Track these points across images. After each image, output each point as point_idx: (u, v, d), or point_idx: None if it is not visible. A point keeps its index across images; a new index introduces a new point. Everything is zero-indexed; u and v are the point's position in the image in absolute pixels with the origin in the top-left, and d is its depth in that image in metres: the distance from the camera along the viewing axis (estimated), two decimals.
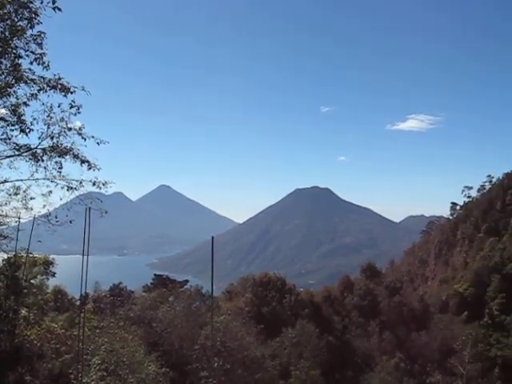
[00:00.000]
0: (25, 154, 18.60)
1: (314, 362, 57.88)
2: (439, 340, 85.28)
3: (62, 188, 18.90)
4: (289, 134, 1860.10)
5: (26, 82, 17.04)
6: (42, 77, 16.95)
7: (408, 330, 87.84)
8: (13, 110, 17.64)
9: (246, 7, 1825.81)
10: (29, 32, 16.18)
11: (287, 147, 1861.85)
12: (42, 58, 16.47)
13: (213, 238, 17.70)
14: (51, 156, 18.56)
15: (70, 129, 18.20)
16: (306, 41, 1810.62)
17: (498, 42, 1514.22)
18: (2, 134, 18.25)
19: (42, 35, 16.32)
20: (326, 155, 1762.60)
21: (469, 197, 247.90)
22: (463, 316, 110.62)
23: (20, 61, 16.50)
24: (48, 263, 42.86)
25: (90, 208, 18.85)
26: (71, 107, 17.60)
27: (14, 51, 16.22)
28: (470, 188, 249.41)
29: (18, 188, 20.15)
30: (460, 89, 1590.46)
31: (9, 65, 16.41)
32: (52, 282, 48.95)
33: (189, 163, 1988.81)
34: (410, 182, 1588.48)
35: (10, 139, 18.34)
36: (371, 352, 77.16)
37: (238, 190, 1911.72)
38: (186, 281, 78.27)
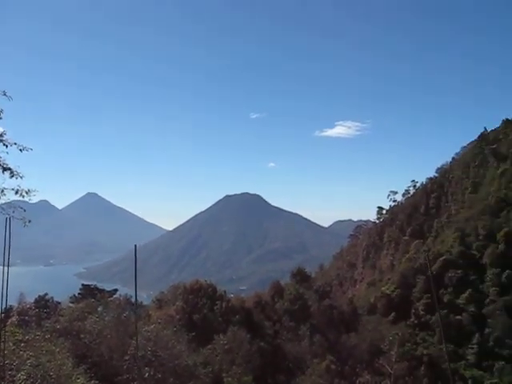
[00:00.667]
0: None
1: (246, 367, 57.80)
2: (368, 341, 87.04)
3: None
4: (218, 140, 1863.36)
5: None
6: None
7: (338, 333, 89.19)
8: None
9: (170, 10, 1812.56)
10: None
11: (217, 154, 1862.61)
12: None
13: (136, 246, 17.19)
14: None
15: None
16: (235, 48, 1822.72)
17: (422, 48, 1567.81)
18: None
19: None
20: (256, 161, 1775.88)
21: (394, 201, 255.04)
22: (391, 317, 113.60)
23: None
24: None
25: (10, 218, 18.01)
26: None
27: None
28: (396, 193, 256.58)
29: None
30: (385, 96, 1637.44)
31: None
32: None
33: (117, 170, 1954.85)
34: (338, 188, 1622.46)
35: None
36: (302, 355, 77.78)
37: (167, 197, 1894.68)
38: (115, 290, 76.75)
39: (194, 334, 50.74)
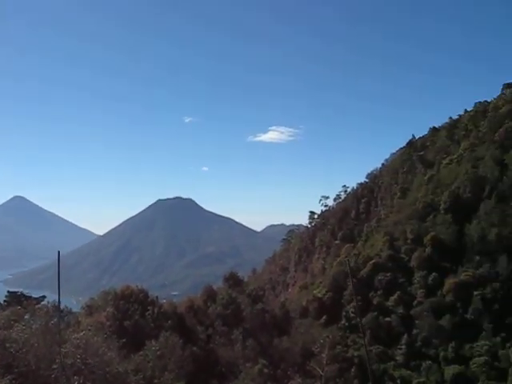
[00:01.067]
0: None
1: (178, 373, 57.01)
2: (300, 344, 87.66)
3: None
4: (150, 143, 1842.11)
5: None
6: None
7: (270, 336, 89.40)
8: None
9: (92, 16, 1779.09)
10: None
11: (149, 158, 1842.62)
12: None
13: (59, 252, 16.66)
14: None
15: None
16: (168, 51, 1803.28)
17: (353, 53, 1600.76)
18: None
19: None
20: (189, 166, 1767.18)
21: (326, 206, 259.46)
22: (322, 320, 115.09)
23: None
24: None
25: None
26: None
27: None
28: (327, 197, 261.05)
29: None
30: (318, 102, 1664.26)
31: None
32: None
33: (45, 174, 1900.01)
34: (271, 192, 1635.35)
35: None
36: (235, 360, 77.54)
37: (98, 202, 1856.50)
38: (43, 297, 74.15)
39: (124, 340, 49.63)
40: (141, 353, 59.26)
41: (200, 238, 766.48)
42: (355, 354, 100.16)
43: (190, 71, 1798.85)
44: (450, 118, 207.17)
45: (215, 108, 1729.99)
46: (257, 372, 72.69)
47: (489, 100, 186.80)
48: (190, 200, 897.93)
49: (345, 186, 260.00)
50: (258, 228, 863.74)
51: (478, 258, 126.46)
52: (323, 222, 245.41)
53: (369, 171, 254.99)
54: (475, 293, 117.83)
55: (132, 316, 76.99)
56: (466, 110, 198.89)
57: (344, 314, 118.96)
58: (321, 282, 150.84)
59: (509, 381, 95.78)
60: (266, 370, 75.09)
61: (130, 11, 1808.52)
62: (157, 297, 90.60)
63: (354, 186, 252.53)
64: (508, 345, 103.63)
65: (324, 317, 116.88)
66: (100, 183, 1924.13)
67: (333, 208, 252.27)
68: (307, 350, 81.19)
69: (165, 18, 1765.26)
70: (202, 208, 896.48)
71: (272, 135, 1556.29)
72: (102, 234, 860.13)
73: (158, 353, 59.18)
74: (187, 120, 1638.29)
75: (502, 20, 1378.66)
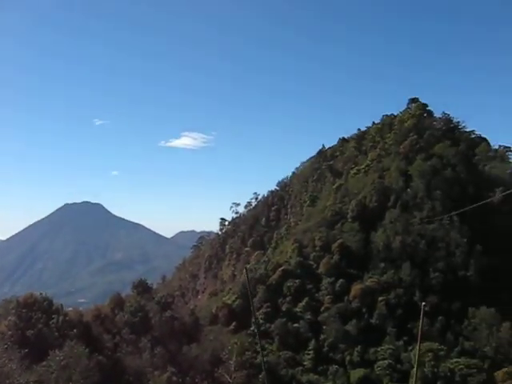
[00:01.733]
0: None
1: (84, 383, 55.30)
2: (209, 351, 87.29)
3: None
4: (58, 146, 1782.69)
5: None
6: None
7: (179, 344, 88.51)
8: None
9: None
10: None
11: (57, 160, 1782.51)
12: None
13: None
14: None
15: None
16: (78, 49, 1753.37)
17: (270, 53, 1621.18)
18: None
19: None
20: (99, 170, 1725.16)
21: (237, 213, 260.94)
22: (232, 326, 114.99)
23: None
24: None
25: None
26: None
27: None
28: (238, 204, 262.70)
29: None
30: (230, 110, 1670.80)
31: None
32: None
33: None
34: (182, 199, 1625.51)
35: None
36: (143, 368, 76.20)
37: (1, 204, 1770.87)
38: None
39: (27, 350, 47.64)
40: (44, 363, 56.93)
41: (108, 244, 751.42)
42: (264, 360, 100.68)
43: (102, 72, 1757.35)
44: (359, 129, 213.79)
45: (126, 112, 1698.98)
46: (165, 380, 71.84)
47: (395, 113, 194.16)
48: (99, 205, 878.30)
49: (256, 193, 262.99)
50: (169, 234, 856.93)
51: (382, 264, 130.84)
52: (234, 228, 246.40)
53: (280, 179, 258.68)
54: (380, 298, 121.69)
55: (35, 325, 74.08)
56: (373, 122, 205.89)
57: (253, 320, 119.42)
58: (230, 289, 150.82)
59: (410, 382, 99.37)
60: (174, 378, 74.32)
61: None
62: (61, 305, 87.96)
63: (265, 193, 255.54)
64: (410, 348, 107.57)
65: (233, 323, 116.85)
66: (4, 185, 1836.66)
67: (244, 215, 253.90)
68: (216, 357, 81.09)
69: (70, 14, 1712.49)
70: (110, 213, 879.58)
71: (185, 141, 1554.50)
72: (4, 238, 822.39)
73: (63, 363, 57.10)
74: (98, 123, 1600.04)
75: (405, 37, 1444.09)
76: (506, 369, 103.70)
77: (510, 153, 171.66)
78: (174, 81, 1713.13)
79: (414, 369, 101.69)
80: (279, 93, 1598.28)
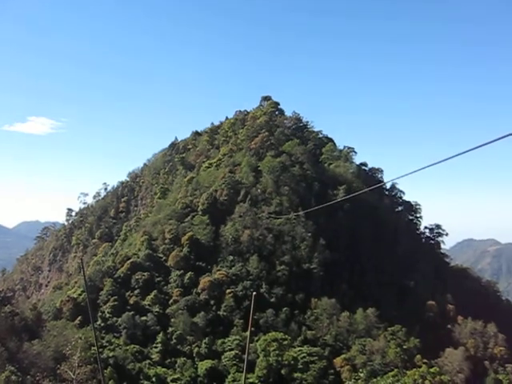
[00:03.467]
0: None
1: None
2: (52, 347, 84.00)
3: None
4: None
5: None
6: None
7: (20, 341, 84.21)
8: None
9: None
10: None
11: None
12: None
13: None
14: None
15: None
16: None
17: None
18: None
19: None
20: None
21: (84, 203, 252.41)
22: (77, 321, 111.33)
23: None
24: None
25: None
26: None
27: None
28: (86, 194, 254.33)
29: None
30: (83, 97, 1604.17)
31: None
32: None
33: None
34: (25, 186, 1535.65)
35: None
36: None
37: None
38: None
39: None
40: None
41: None
42: (110, 354, 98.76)
43: None
44: (212, 123, 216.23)
45: None
46: (3, 380, 68.00)
47: (248, 110, 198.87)
48: None
49: (105, 183, 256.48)
50: (10, 224, 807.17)
51: (231, 257, 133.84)
52: (81, 219, 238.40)
53: (131, 170, 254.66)
54: (228, 291, 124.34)
55: None
56: (227, 117, 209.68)
57: (100, 314, 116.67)
58: (76, 282, 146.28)
59: (256, 371, 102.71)
60: (13, 377, 70.62)
61: None
62: None
63: (115, 184, 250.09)
64: (256, 338, 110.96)
65: (79, 318, 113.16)
66: None
67: (92, 206, 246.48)
68: (60, 353, 78.24)
69: None
70: None
71: (32, 126, 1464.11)
72: None
73: None
74: None
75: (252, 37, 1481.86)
76: (344, 355, 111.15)
77: (353, 153, 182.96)
78: (18, 63, 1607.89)
79: (260, 358, 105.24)
80: (134, 80, 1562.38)
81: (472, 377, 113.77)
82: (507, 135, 8.66)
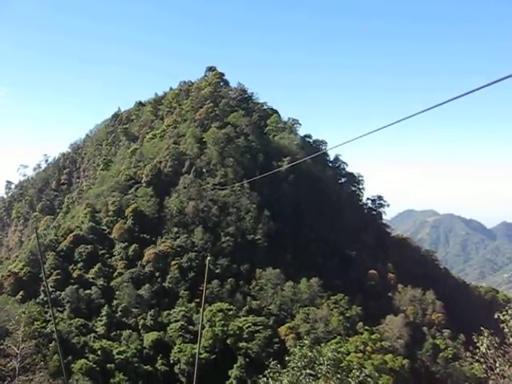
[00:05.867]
0: None
1: None
2: None
3: None
4: None
5: None
6: None
7: None
8: None
9: None
10: None
11: None
12: None
13: None
14: None
15: None
16: None
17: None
18: None
19: None
20: None
21: (24, 175, 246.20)
22: (19, 296, 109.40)
23: None
24: None
25: None
26: None
27: None
28: (26, 166, 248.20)
29: None
30: (23, 63, 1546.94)
31: None
32: None
33: None
34: None
35: None
36: None
37: None
38: None
39: None
40: None
41: None
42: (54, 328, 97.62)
43: None
44: (156, 94, 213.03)
45: None
46: None
47: (193, 80, 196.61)
48: None
49: (46, 155, 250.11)
50: None
51: (176, 229, 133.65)
52: (21, 192, 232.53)
53: (72, 141, 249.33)
54: (173, 262, 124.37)
55: None
56: (171, 87, 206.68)
57: (42, 288, 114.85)
58: (17, 256, 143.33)
59: (202, 342, 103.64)
60: None
61: None
62: None
63: (56, 155, 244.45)
64: (201, 309, 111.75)
65: (21, 292, 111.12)
66: None
67: (32, 178, 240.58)
68: (2, 329, 76.74)
69: None
70: None
71: None
72: None
73: None
74: None
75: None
76: (289, 324, 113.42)
77: (297, 125, 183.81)
78: None
79: (206, 329, 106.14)
80: (76, 40, 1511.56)
81: (411, 342, 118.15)
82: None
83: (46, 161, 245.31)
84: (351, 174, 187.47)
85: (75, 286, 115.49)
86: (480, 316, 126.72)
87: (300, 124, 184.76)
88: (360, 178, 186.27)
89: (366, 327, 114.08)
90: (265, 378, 23.05)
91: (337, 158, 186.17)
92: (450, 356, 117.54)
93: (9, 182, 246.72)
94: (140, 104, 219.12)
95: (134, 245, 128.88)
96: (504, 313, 15.95)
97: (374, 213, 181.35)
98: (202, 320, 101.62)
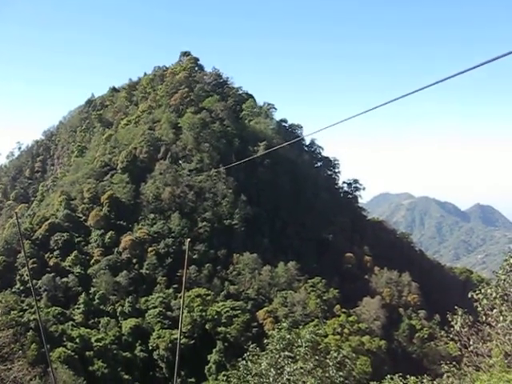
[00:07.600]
0: None
1: None
2: None
3: None
4: None
5: None
6: None
7: None
8: None
9: None
10: None
11: None
12: None
13: None
14: None
15: None
16: None
17: None
18: None
19: None
20: None
21: None
22: None
23: None
24: None
25: None
26: None
27: None
28: None
29: None
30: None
31: None
32: None
33: None
34: None
35: None
36: None
37: None
38: None
39: None
40: None
41: None
42: (31, 317, 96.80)
43: None
44: (130, 79, 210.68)
45: None
46: None
47: (167, 65, 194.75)
48: None
49: (19, 142, 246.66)
50: None
51: (152, 215, 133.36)
52: None
53: (46, 128, 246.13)
54: (150, 249, 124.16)
55: None
56: (145, 73, 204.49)
57: (18, 277, 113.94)
58: None
59: (179, 328, 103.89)
60: None
61: None
62: None
63: (30, 143, 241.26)
64: (179, 295, 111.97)
65: None
66: None
67: (5, 166, 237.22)
68: None
69: None
70: None
71: None
72: None
73: None
74: None
75: None
76: (267, 308, 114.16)
77: (273, 109, 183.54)
78: None
79: (184, 314, 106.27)
80: (48, 28, 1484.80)
81: (388, 323, 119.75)
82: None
83: (19, 148, 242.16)
84: (327, 158, 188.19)
85: (52, 275, 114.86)
86: (455, 296, 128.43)
87: (275, 108, 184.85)
88: (336, 162, 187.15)
89: (344, 310, 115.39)
90: (244, 361, 23.21)
91: (313, 143, 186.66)
92: (425, 336, 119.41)
93: None
94: (114, 90, 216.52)
95: (111, 232, 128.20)
96: (477, 292, 16.26)
97: (350, 196, 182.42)
98: (184, 303, 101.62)
